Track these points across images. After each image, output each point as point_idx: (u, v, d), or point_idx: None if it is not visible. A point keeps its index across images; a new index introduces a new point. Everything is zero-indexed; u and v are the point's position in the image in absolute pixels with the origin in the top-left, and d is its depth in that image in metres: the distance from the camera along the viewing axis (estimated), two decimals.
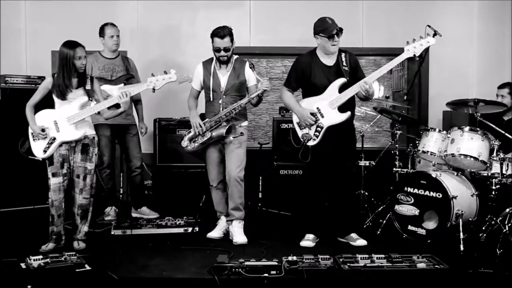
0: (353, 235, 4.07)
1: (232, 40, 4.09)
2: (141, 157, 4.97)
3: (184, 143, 4.22)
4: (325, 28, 3.88)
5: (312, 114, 3.94)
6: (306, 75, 3.99)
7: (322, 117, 3.93)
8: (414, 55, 3.76)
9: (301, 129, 4.03)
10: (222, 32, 4.03)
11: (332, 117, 3.90)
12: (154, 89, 3.90)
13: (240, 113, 4.19)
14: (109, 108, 3.90)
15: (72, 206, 3.91)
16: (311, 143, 3.96)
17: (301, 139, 3.99)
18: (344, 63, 3.93)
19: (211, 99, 4.19)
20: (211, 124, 4.13)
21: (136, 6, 5.84)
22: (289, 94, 4.10)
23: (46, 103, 3.89)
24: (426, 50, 5.18)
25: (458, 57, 5.97)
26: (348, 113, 3.90)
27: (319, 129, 3.93)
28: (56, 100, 3.83)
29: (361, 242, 4.01)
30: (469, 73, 6.01)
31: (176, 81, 3.98)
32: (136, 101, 4.97)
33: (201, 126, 4.12)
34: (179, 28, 5.90)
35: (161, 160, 5.30)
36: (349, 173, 4.08)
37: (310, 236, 4.06)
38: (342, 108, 3.90)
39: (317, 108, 3.94)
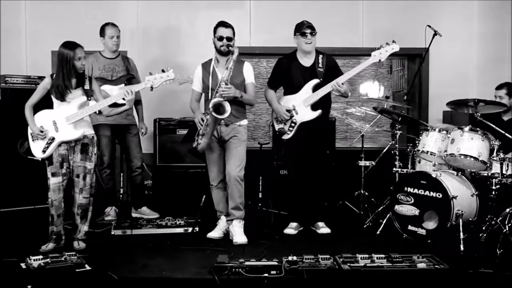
0: (319, 223, 4.42)
1: (234, 35, 4.15)
2: (141, 157, 4.97)
3: (195, 143, 4.17)
4: (299, 27, 4.31)
5: (287, 110, 4.31)
6: (285, 75, 4.37)
7: (297, 113, 4.31)
8: (380, 60, 4.16)
9: (277, 124, 4.41)
10: (227, 23, 4.15)
11: (305, 114, 4.28)
12: (152, 88, 3.90)
13: (239, 112, 4.20)
14: (109, 106, 3.91)
15: (72, 206, 3.91)
16: (285, 137, 4.36)
17: (277, 133, 4.40)
18: (320, 65, 4.29)
19: (210, 98, 4.19)
20: (207, 118, 4.09)
21: (136, 6, 5.84)
22: (271, 92, 4.47)
23: (46, 103, 3.89)
24: (426, 50, 5.25)
25: (458, 57, 5.97)
26: (319, 111, 4.26)
27: (293, 124, 4.32)
28: (54, 100, 3.83)
29: (325, 230, 4.37)
30: (469, 73, 6.01)
31: (175, 80, 3.99)
32: (136, 101, 4.95)
33: (202, 121, 4.09)
34: (180, 28, 5.90)
35: (161, 160, 5.30)
36: (322, 166, 4.42)
37: (293, 224, 4.41)
38: (316, 106, 4.27)
39: (293, 105, 4.32)
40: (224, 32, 4.11)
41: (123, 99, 3.89)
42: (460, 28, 5.95)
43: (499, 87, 4.66)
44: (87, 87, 3.87)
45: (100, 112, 3.95)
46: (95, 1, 5.75)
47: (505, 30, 5.57)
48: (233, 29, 4.15)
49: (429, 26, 5.14)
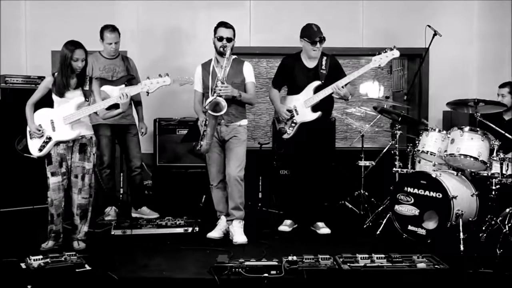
0: (319, 223, 4.44)
1: (234, 36, 4.14)
2: (141, 157, 4.97)
3: (198, 146, 4.14)
4: (309, 34, 4.28)
5: (288, 110, 4.36)
6: (289, 75, 4.42)
7: (297, 114, 4.36)
8: (379, 65, 4.16)
9: (278, 123, 4.48)
10: (228, 23, 4.14)
11: (305, 115, 4.32)
12: (148, 93, 3.87)
13: (239, 112, 4.20)
14: (107, 109, 3.90)
15: (71, 206, 3.90)
16: (285, 136, 4.42)
17: (278, 132, 4.47)
18: (323, 67, 4.33)
19: None
20: (206, 118, 4.08)
21: (136, 6, 5.84)
22: (275, 91, 4.52)
23: (47, 102, 3.89)
24: (426, 50, 5.26)
25: (458, 57, 5.96)
26: (319, 112, 4.29)
27: (293, 124, 4.38)
28: (54, 99, 3.84)
29: (325, 230, 4.39)
30: (469, 73, 6.00)
31: (176, 82, 3.98)
32: (136, 102, 4.96)
33: (203, 123, 4.09)
34: (179, 28, 5.89)
35: (161, 160, 5.30)
36: (321, 168, 4.44)
37: (287, 221, 4.48)
38: (317, 108, 4.30)
39: (294, 105, 4.37)
40: (224, 32, 4.10)
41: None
42: (460, 28, 5.94)
43: (502, 85, 4.67)
44: (87, 88, 3.87)
45: (97, 112, 3.93)
46: (95, 1, 5.75)
47: (505, 30, 5.57)
48: (233, 30, 4.15)
49: (429, 26, 5.14)
